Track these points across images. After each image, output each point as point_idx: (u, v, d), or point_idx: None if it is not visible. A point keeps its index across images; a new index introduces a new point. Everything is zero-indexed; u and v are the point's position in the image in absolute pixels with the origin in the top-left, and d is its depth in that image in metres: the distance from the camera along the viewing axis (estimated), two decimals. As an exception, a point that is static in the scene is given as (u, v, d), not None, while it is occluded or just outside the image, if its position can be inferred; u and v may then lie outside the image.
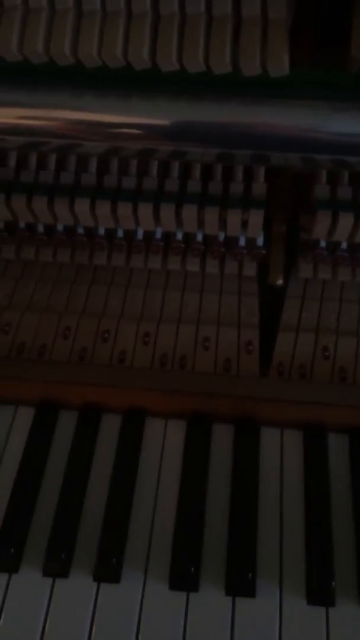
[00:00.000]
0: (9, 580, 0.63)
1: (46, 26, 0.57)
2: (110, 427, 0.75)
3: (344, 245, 0.76)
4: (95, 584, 0.63)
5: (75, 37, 0.57)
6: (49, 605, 0.62)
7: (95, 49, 0.57)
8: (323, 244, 0.77)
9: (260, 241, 0.77)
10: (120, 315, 0.82)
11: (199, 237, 0.78)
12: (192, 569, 0.63)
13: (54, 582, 0.63)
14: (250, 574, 0.63)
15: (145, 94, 0.62)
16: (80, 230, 0.78)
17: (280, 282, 0.83)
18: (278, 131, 0.59)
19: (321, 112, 0.60)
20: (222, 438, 0.74)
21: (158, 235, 0.78)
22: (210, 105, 0.61)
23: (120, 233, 0.78)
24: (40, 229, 0.78)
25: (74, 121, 0.62)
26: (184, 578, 0.63)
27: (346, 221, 0.70)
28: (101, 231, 0.78)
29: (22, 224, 0.78)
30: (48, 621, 0.61)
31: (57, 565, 0.64)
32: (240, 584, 0.63)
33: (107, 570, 0.63)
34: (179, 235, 0.78)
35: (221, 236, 0.77)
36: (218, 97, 0.61)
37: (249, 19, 0.56)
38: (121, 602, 0.62)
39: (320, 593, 0.62)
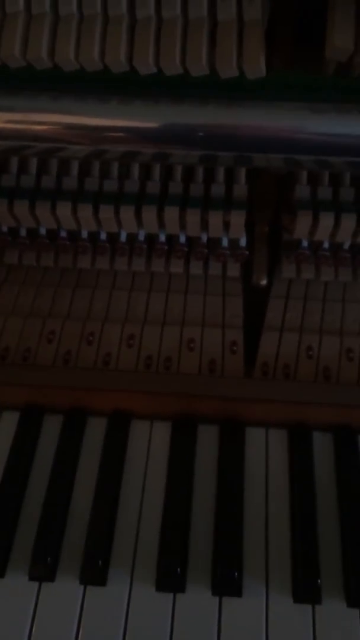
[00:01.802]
0: (-6, 585, 0.63)
1: (23, 30, 0.57)
2: (95, 430, 0.75)
3: (326, 244, 0.77)
4: (82, 587, 0.63)
5: (52, 40, 0.57)
6: (35, 609, 0.62)
7: (73, 53, 0.57)
8: (305, 244, 0.77)
9: (243, 242, 0.78)
10: (105, 318, 0.82)
11: (182, 239, 0.78)
12: (179, 569, 0.63)
13: (40, 586, 0.63)
14: (236, 574, 0.63)
15: (124, 97, 0.62)
16: (63, 234, 0.78)
17: (264, 282, 0.83)
18: (255, 132, 0.60)
19: (299, 114, 0.60)
20: (207, 439, 0.74)
21: (141, 237, 0.78)
22: (189, 107, 0.61)
23: (103, 236, 0.78)
24: (23, 233, 0.78)
25: (54, 125, 0.62)
26: (170, 579, 0.63)
27: (327, 221, 0.70)
28: (84, 234, 0.78)
29: (4, 228, 0.78)
30: (35, 625, 0.61)
31: (43, 569, 0.63)
32: (226, 583, 0.63)
33: (93, 573, 0.63)
34: (162, 237, 0.78)
35: (204, 238, 0.77)
36: (196, 100, 0.61)
37: (225, 21, 0.56)
38: (108, 605, 0.62)
39: (306, 591, 0.62)
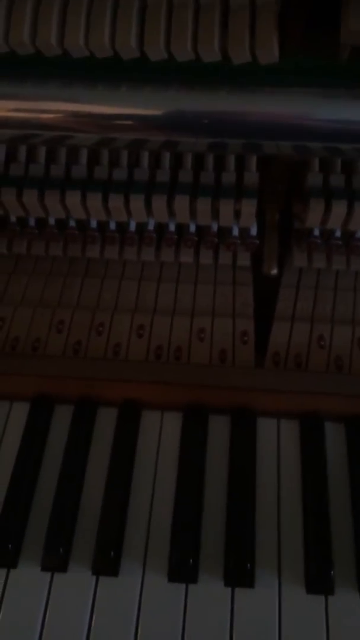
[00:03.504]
0: (7, 575, 0.63)
1: (32, 16, 0.56)
2: (106, 421, 0.75)
3: (338, 233, 0.76)
4: (94, 577, 0.63)
5: (62, 26, 0.56)
6: (47, 599, 0.62)
7: (82, 39, 0.56)
8: (317, 232, 0.76)
9: (253, 231, 0.77)
10: (115, 308, 0.82)
11: (192, 228, 0.77)
12: (191, 560, 0.63)
13: (52, 576, 0.63)
14: (248, 565, 0.63)
15: (134, 84, 0.61)
16: (72, 223, 0.77)
17: (274, 271, 0.82)
18: (268, 119, 0.59)
19: (312, 100, 0.59)
20: (218, 429, 0.74)
21: (151, 226, 0.77)
22: (200, 94, 0.60)
23: (112, 225, 0.78)
24: (32, 222, 0.78)
25: (63, 112, 0.62)
26: (182, 570, 0.63)
27: (339, 209, 0.69)
28: (93, 224, 0.78)
29: (13, 218, 0.77)
30: (47, 616, 0.61)
31: (55, 560, 0.63)
32: (239, 574, 0.62)
33: (106, 563, 0.63)
34: (172, 227, 0.77)
35: (214, 226, 0.76)
36: (208, 86, 0.60)
37: (237, 5, 0.55)
38: (120, 595, 0.62)
39: (319, 582, 0.62)
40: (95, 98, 0.61)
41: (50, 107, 0.61)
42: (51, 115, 0.62)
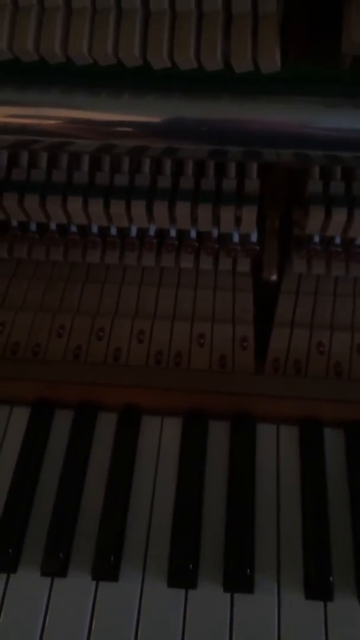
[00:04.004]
0: (7, 580, 0.63)
1: (36, 24, 0.56)
2: (106, 426, 0.75)
3: (338, 240, 0.76)
4: (94, 582, 0.63)
5: (66, 34, 0.57)
6: (47, 604, 0.62)
7: (86, 47, 0.56)
8: (317, 239, 0.77)
9: (254, 237, 0.77)
10: (115, 313, 0.82)
11: (193, 234, 0.78)
12: (190, 566, 0.63)
13: (52, 581, 0.63)
14: (248, 570, 0.63)
15: (137, 91, 0.61)
16: (73, 229, 0.78)
17: (274, 277, 0.83)
18: (270, 127, 0.59)
19: (313, 108, 0.59)
20: (218, 435, 0.74)
21: (151, 232, 0.78)
22: (202, 102, 0.61)
23: (113, 230, 0.78)
24: (33, 227, 0.78)
25: (65, 119, 0.62)
26: (182, 575, 0.63)
27: (339, 216, 0.69)
28: (94, 229, 0.78)
29: (14, 223, 0.77)
30: (47, 621, 0.61)
31: (55, 565, 0.64)
32: (238, 580, 0.63)
33: (105, 568, 0.63)
34: (173, 232, 0.78)
35: (215, 233, 0.77)
36: (210, 94, 0.60)
37: (240, 14, 0.56)
38: (120, 600, 0.62)
39: (318, 588, 0.62)
40: (98, 105, 0.61)
41: (54, 113, 0.61)
42: (54, 122, 0.62)
